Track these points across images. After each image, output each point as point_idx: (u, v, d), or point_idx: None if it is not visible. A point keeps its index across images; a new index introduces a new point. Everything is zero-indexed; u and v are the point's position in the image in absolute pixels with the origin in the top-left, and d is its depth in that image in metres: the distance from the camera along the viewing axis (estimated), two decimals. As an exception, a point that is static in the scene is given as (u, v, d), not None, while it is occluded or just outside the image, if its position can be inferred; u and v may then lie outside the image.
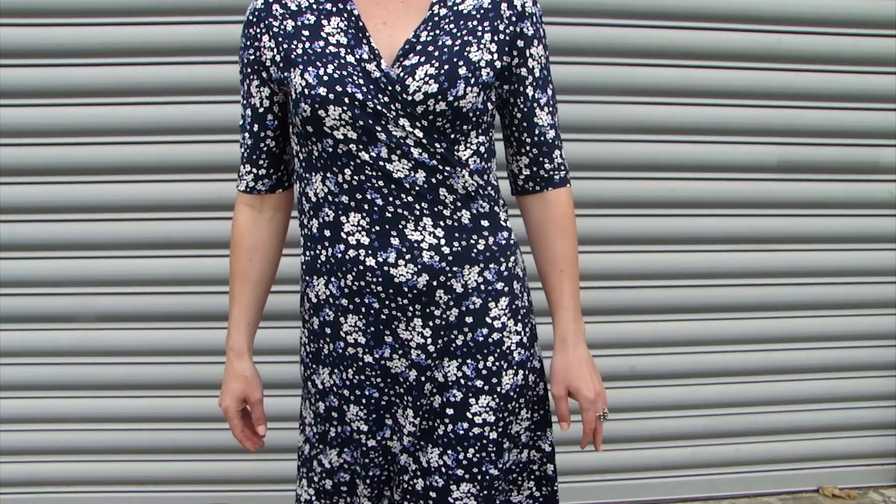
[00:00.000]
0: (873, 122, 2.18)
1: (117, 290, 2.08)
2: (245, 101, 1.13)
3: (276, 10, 1.06)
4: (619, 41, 2.05)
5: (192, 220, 2.05)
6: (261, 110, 1.12)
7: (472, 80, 1.01)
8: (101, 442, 2.16)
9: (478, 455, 1.09)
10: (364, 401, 1.11)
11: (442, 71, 0.99)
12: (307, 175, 1.08)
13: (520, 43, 1.07)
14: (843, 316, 2.30)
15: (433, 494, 1.09)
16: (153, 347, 2.11)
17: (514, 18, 1.06)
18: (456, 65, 1.00)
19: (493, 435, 1.09)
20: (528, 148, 1.13)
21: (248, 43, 1.09)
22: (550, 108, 1.13)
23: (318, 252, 1.08)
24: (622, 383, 2.24)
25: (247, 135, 1.14)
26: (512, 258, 1.12)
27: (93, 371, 2.12)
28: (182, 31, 1.96)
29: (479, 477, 1.09)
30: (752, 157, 2.16)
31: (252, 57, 1.09)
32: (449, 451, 1.09)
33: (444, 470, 1.09)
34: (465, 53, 1.01)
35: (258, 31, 1.07)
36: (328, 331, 1.10)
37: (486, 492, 1.10)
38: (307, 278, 1.13)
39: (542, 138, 1.12)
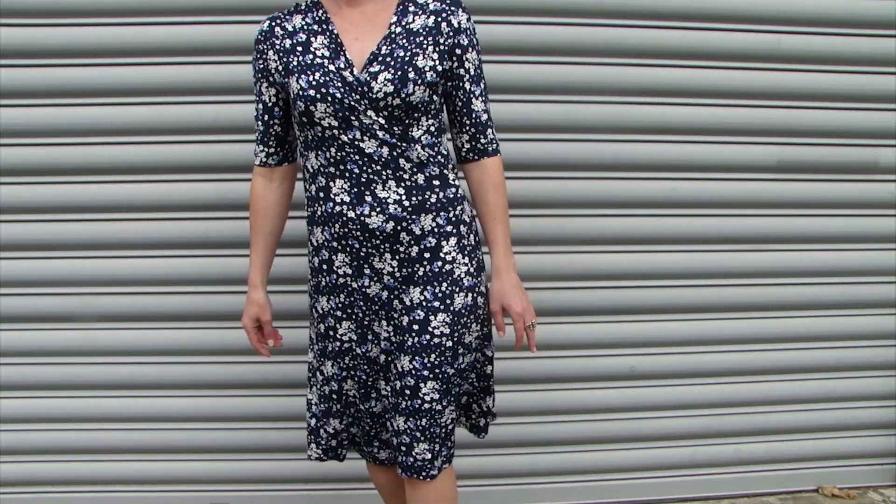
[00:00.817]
0: (873, 122, 2.18)
1: (117, 290, 2.08)
2: (257, 98, 1.49)
3: (278, 31, 1.43)
4: (619, 41, 2.05)
5: (192, 220, 2.05)
6: (269, 104, 1.48)
7: (419, 82, 1.36)
8: (101, 442, 2.16)
9: (438, 359, 1.44)
10: (353, 317, 1.48)
11: (396, 76, 1.34)
12: (306, 153, 1.44)
13: (458, 51, 1.42)
14: (843, 316, 2.30)
15: (408, 392, 1.44)
16: (153, 347, 2.11)
17: (451, 33, 1.41)
18: (406, 71, 1.35)
19: (449, 343, 1.44)
20: (467, 127, 1.48)
21: (258, 56, 1.46)
22: (483, 97, 1.47)
23: (315, 208, 1.45)
24: (622, 383, 2.24)
25: (259, 123, 1.51)
26: (459, 207, 1.47)
27: (93, 371, 2.12)
28: (182, 32, 1.96)
29: (440, 376, 1.44)
30: (751, 157, 2.16)
31: (262, 66, 1.45)
32: (416, 357, 1.43)
33: (413, 372, 1.43)
34: (414, 62, 1.36)
35: (265, 47, 1.44)
36: (325, 267, 1.47)
37: (445, 386, 1.46)
38: (310, 228, 1.48)
39: (478, 120, 1.47)
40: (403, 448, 1.47)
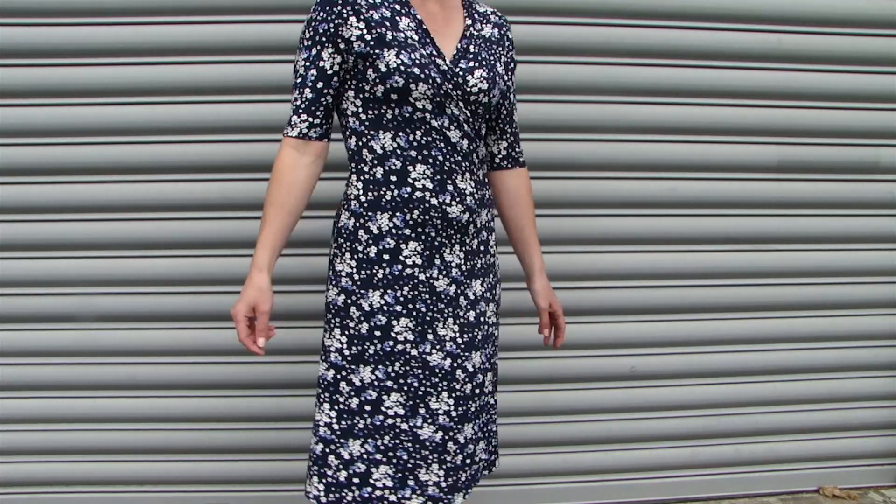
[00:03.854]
0: (873, 122, 2.18)
1: (117, 290, 2.08)
2: (310, 63, 1.35)
3: None
4: (618, 41, 2.05)
5: (192, 220, 2.05)
6: (329, 72, 1.35)
7: (501, 86, 1.43)
8: (101, 442, 2.16)
9: (491, 350, 1.51)
10: (414, 313, 1.37)
11: (490, 75, 1.39)
12: (375, 132, 1.36)
13: (512, 65, 1.52)
14: (843, 316, 2.30)
15: (476, 390, 1.45)
16: (153, 347, 2.11)
17: (510, 47, 1.51)
18: (494, 73, 1.40)
19: (497, 333, 1.55)
20: (508, 135, 1.56)
21: (330, 18, 1.33)
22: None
23: (383, 192, 1.36)
24: (622, 383, 2.24)
25: (307, 90, 1.36)
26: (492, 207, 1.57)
27: (93, 371, 2.12)
28: (182, 31, 1.96)
29: (494, 367, 1.54)
30: (752, 157, 2.16)
31: (331, 29, 1.33)
32: (480, 352, 1.45)
33: (480, 367, 1.45)
34: (496, 67, 1.43)
35: (345, 11, 1.32)
36: (386, 256, 1.37)
37: (496, 377, 1.56)
38: (369, 214, 1.37)
39: (517, 130, 1.58)
40: (468, 461, 1.45)
